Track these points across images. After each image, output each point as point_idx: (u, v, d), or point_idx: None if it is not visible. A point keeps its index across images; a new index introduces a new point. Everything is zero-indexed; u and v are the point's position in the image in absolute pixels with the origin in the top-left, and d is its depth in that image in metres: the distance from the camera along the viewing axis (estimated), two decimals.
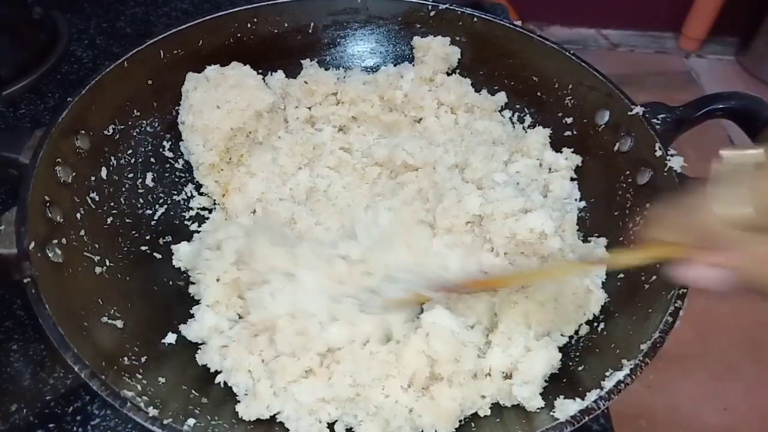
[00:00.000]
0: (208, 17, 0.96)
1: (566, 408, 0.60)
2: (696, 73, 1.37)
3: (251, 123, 0.91)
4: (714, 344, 0.93)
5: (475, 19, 1.01)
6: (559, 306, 0.75)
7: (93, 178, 0.81)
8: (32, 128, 0.75)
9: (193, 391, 0.68)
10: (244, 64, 0.96)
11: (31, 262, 0.63)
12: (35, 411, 0.75)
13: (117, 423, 0.74)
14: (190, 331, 0.75)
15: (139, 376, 0.65)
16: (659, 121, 0.84)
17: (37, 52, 1.18)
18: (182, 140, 0.92)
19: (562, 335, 0.75)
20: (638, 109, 0.84)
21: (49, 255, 0.68)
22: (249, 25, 0.99)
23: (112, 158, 0.85)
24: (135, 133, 0.90)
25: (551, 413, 0.61)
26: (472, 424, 0.68)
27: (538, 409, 0.65)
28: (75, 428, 0.74)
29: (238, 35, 0.99)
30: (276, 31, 1.02)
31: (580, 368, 0.71)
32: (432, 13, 1.03)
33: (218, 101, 0.90)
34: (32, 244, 0.65)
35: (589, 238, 0.86)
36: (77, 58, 1.23)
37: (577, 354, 0.73)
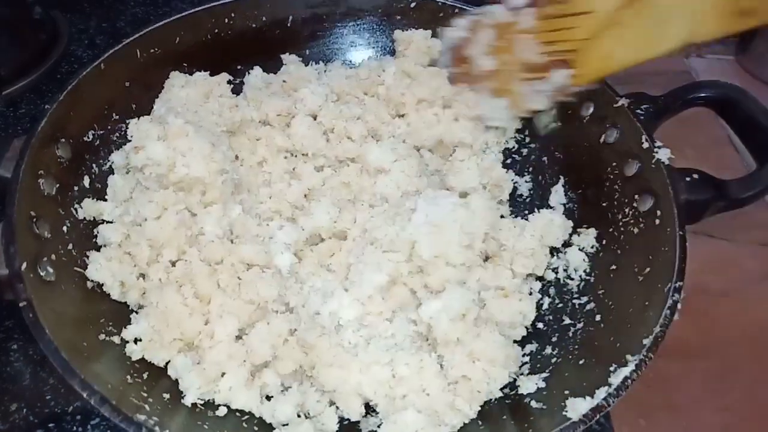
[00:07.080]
0: (183, 14, 0.93)
1: (578, 407, 0.61)
2: (696, 73, 1.39)
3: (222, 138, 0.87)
4: (714, 344, 0.95)
5: (456, 11, 1.00)
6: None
7: (76, 188, 0.78)
8: (10, 137, 0.72)
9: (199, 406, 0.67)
10: (223, 60, 0.94)
11: (24, 285, 0.61)
12: (35, 410, 0.75)
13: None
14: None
15: (144, 394, 0.64)
16: (642, 112, 0.85)
17: (37, 52, 1.19)
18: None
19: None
20: (623, 101, 0.85)
21: (42, 274, 0.65)
22: (226, 21, 0.97)
23: (94, 165, 0.83)
24: (115, 138, 0.87)
25: (564, 413, 0.62)
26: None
27: (544, 407, 0.66)
28: (75, 428, 0.74)
29: (216, 31, 0.96)
30: (254, 25, 0.99)
31: (580, 362, 0.72)
32: (412, 5, 1.01)
33: (196, 106, 0.87)
34: (24, 265, 0.62)
35: (578, 230, 0.87)
36: (77, 57, 1.22)
37: (576, 347, 0.75)
